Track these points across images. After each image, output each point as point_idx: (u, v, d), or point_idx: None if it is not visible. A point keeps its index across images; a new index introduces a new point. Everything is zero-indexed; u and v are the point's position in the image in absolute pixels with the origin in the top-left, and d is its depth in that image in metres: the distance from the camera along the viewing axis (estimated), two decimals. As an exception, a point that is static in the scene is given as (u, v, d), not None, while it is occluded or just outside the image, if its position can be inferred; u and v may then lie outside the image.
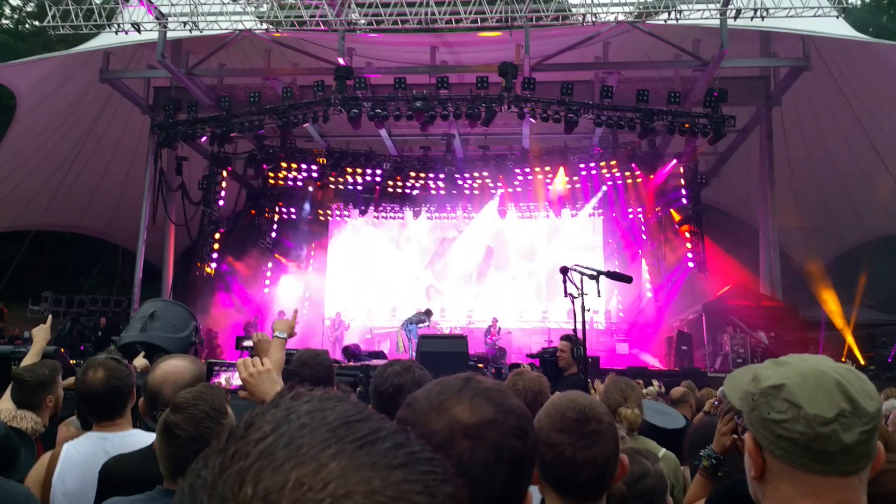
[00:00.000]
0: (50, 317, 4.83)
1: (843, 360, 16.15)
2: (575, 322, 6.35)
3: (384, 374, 2.84)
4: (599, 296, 6.65)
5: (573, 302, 6.56)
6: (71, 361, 6.50)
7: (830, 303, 19.57)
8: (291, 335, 3.64)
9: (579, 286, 6.52)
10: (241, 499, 0.57)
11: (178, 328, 6.71)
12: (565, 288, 6.65)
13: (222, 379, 2.77)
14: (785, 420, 1.39)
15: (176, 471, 2.30)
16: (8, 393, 3.78)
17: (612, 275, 7.17)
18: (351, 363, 15.24)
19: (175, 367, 2.97)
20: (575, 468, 1.83)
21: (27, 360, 4.16)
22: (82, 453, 3.00)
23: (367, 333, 21.43)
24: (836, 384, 1.38)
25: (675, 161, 20.27)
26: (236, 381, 2.74)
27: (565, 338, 6.87)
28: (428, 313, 18.99)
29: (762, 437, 1.43)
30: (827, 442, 1.35)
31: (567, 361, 6.68)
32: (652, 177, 20.77)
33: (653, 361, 19.08)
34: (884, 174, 19.51)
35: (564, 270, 6.67)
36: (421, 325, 18.14)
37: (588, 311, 6.54)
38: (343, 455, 0.59)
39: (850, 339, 18.47)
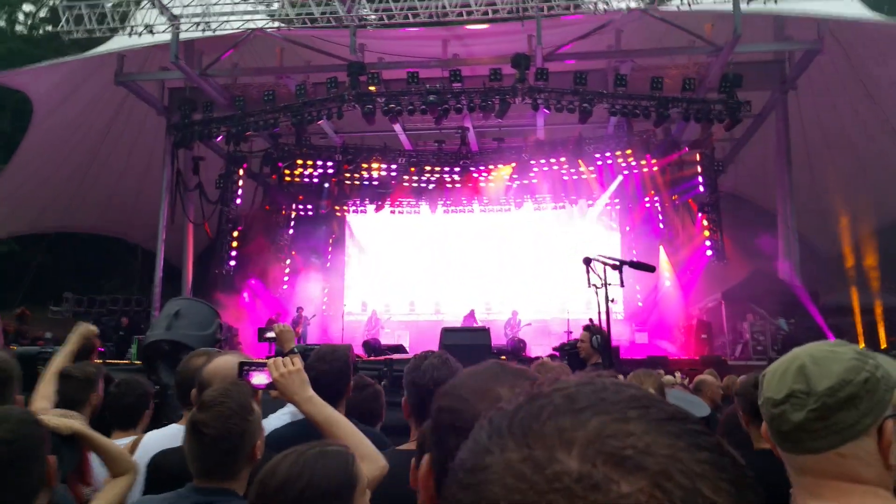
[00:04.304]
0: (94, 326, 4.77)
1: (862, 345, 16.01)
2: (599, 313, 6.32)
3: (421, 367, 2.80)
4: (623, 286, 6.63)
5: (597, 292, 6.54)
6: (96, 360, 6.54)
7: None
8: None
9: (602, 276, 6.50)
10: (535, 430, 0.58)
11: (202, 325, 6.76)
12: (588, 278, 6.61)
13: (259, 379, 2.76)
14: (761, 404, 1.51)
15: (204, 469, 2.32)
16: (42, 391, 3.81)
17: (635, 265, 7.13)
18: (372, 357, 15.30)
19: (225, 362, 3.01)
20: None
21: (60, 358, 4.15)
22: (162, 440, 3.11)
23: (384, 327, 21.45)
24: (799, 368, 1.45)
25: (685, 149, 20.21)
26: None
27: (586, 328, 6.82)
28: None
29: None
30: (780, 422, 1.44)
31: (587, 352, 6.57)
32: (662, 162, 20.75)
33: (673, 350, 19.00)
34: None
35: (587, 261, 6.62)
36: None
37: (612, 301, 6.52)
38: (648, 419, 0.57)
39: (859, 325, 18.31)
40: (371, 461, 2.44)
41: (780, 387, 1.45)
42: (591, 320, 16.52)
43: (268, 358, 2.81)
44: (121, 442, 3.28)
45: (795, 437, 1.42)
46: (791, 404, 1.42)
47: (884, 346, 17.33)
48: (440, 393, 1.32)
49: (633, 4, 17.07)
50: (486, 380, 1.27)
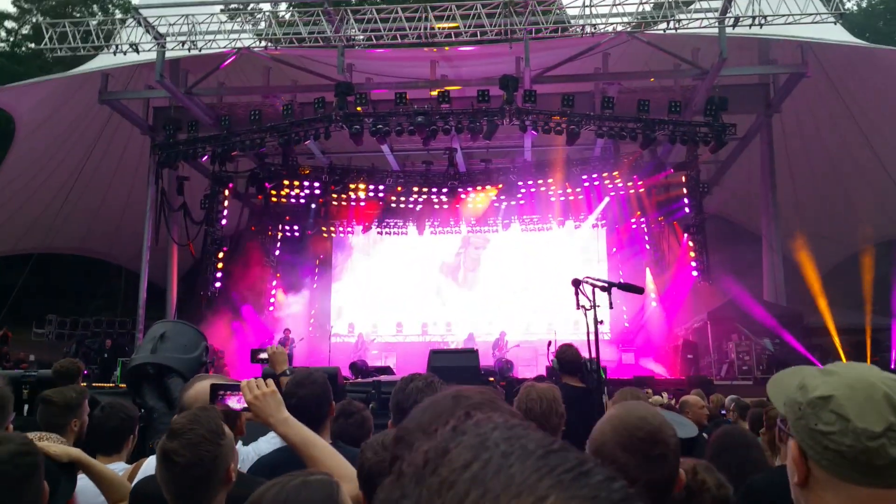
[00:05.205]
0: None
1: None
2: (588, 335, 6.28)
3: (406, 389, 2.76)
4: (612, 308, 6.59)
5: (586, 314, 6.50)
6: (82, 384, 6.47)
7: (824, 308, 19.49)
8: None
9: (591, 298, 6.47)
10: None
11: (188, 349, 6.67)
12: (577, 300, 6.58)
13: (233, 402, 2.67)
14: (833, 432, 1.39)
15: (179, 496, 2.27)
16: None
17: (624, 286, 7.10)
18: (358, 379, 15.20)
19: (205, 387, 2.94)
20: (638, 488, 1.81)
21: None
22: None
23: (371, 349, 21.35)
24: (885, 397, 1.38)
25: (671, 171, 20.34)
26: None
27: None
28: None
29: (808, 446, 1.43)
30: (875, 456, 1.36)
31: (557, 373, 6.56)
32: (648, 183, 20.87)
33: (659, 370, 19.01)
34: (884, 178, 19.57)
35: (577, 283, 6.58)
36: None
37: (600, 322, 6.49)
38: (560, 487, 0.55)
39: (838, 343, 18.37)
40: (348, 481, 2.38)
41: (877, 418, 1.37)
42: (549, 343, 16.52)
43: (254, 379, 2.74)
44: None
45: (888, 473, 1.36)
46: (888, 438, 1.35)
47: (868, 363, 17.42)
48: (397, 434, 1.26)
49: (619, 28, 17.21)
50: (438, 418, 1.16)
